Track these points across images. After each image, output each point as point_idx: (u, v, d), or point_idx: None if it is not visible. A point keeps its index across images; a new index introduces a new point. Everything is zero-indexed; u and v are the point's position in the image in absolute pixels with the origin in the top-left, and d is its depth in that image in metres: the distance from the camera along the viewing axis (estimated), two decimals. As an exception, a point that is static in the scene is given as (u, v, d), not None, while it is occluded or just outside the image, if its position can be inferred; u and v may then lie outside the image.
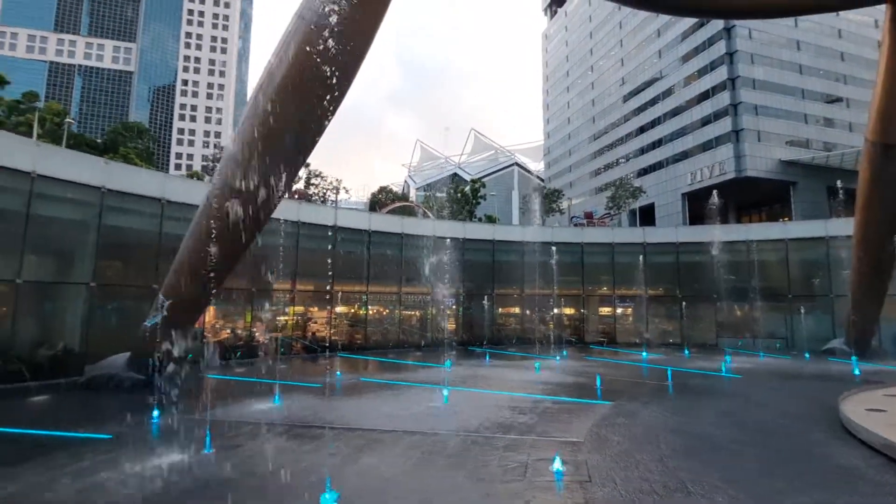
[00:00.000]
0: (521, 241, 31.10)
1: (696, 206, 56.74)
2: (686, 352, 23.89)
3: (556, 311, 31.05)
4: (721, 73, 56.07)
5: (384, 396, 11.67)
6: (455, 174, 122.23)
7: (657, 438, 7.66)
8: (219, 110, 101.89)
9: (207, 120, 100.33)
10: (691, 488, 5.52)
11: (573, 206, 64.18)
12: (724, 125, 55.17)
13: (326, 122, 12.53)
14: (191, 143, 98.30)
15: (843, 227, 23.50)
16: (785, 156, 53.91)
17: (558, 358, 19.24)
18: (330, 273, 25.23)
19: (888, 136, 16.71)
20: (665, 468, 6.21)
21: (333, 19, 11.08)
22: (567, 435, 7.86)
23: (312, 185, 41.65)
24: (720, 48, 56.34)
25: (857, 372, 15.55)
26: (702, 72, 58.76)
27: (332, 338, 26.07)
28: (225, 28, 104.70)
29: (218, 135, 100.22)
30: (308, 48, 11.09)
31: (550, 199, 49.96)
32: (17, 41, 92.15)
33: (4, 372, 13.95)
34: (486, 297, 30.45)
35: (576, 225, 47.28)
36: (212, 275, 13.63)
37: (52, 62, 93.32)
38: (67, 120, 38.51)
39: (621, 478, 5.77)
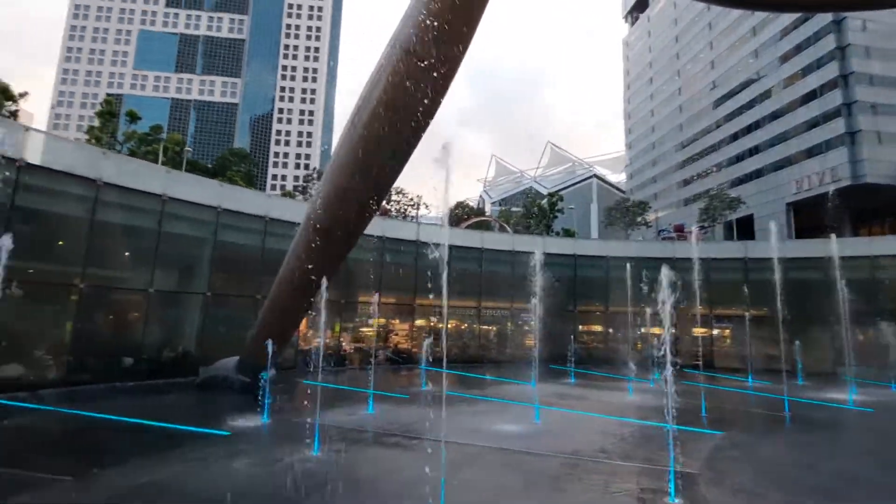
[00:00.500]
0: (604, 255, 29.91)
1: (803, 218, 50.98)
2: (800, 380, 21.37)
3: (643, 330, 29.29)
4: (831, 70, 50.50)
5: (474, 411, 11.68)
6: (531, 188, 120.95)
7: (784, 474, 6.90)
8: (309, 134, 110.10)
9: (299, 144, 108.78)
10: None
11: (659, 220, 60.61)
12: (836, 127, 49.42)
13: (417, 142, 13.01)
14: (285, 165, 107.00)
15: None
16: (913, 159, 47.11)
17: (651, 381, 18.06)
18: (412, 287, 25.96)
19: None
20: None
21: (426, 48, 11.45)
22: (676, 465, 7.32)
23: (394, 201, 43.28)
24: (829, 43, 50.88)
25: None
26: (807, 70, 53.35)
27: (413, 350, 26.61)
28: (315, 59, 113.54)
29: (308, 157, 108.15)
30: (401, 74, 11.60)
31: (634, 211, 47.58)
32: (146, 82, 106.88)
33: (137, 370, 15.91)
34: (567, 313, 29.51)
35: (664, 239, 44.56)
36: (311, 286, 14.60)
37: (173, 98, 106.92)
38: (186, 149, 43.49)
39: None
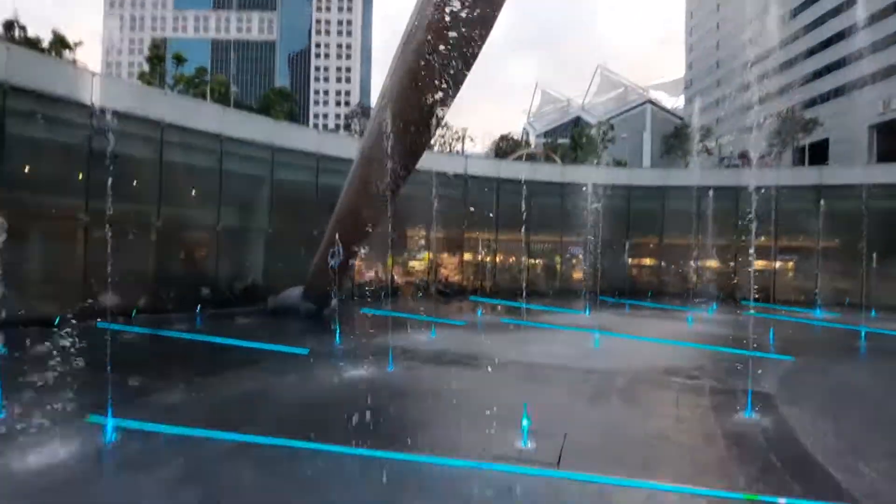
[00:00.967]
0: (660, 185, 28.55)
1: (890, 141, 45.92)
2: (873, 313, 20.26)
3: (699, 262, 28.34)
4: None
5: (532, 337, 12.02)
6: (578, 118, 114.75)
7: (862, 397, 6.78)
8: (348, 69, 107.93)
9: (339, 80, 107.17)
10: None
11: (722, 146, 56.34)
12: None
13: (471, 64, 12.44)
14: (325, 103, 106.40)
15: None
16: None
17: (710, 311, 17.75)
18: (461, 221, 26.07)
19: None
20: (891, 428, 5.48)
21: None
22: (750, 384, 7.28)
23: (438, 135, 42.53)
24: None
25: None
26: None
27: (462, 283, 27.20)
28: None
29: (348, 93, 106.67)
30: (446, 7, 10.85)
31: (695, 138, 44.41)
32: (187, 23, 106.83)
33: (214, 300, 17.28)
34: (619, 245, 28.84)
35: (728, 166, 41.72)
36: (368, 222, 14.95)
37: (213, 39, 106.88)
38: (233, 89, 43.81)
39: (833, 432, 5.27)
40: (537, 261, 29.41)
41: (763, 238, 28.02)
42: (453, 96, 13.27)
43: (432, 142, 45.32)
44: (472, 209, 26.38)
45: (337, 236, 14.72)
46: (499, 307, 20.71)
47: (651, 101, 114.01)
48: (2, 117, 12.61)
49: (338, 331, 10.88)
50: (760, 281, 28.06)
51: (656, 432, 5.34)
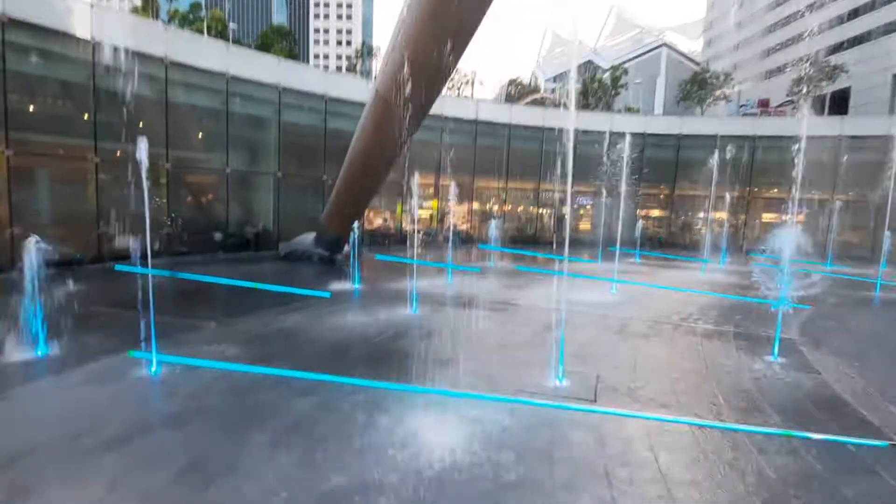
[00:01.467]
0: (676, 133, 27.77)
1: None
2: (883, 265, 20.28)
3: (708, 214, 28.10)
4: None
5: (547, 284, 12.11)
6: (590, 62, 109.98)
7: (881, 341, 6.91)
8: (349, 6, 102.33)
9: (339, 17, 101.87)
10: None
11: (741, 94, 54.21)
12: None
13: (485, 8, 11.75)
14: (326, 42, 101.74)
15: None
16: None
17: (721, 262, 17.79)
18: (470, 168, 25.62)
19: None
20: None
21: None
22: (771, 330, 7.40)
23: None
24: None
25: None
26: None
27: (471, 231, 27.15)
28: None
29: (349, 32, 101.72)
30: None
31: (713, 84, 42.71)
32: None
33: (225, 244, 17.34)
34: (629, 195, 28.47)
35: (745, 115, 40.40)
36: (382, 163, 14.67)
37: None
38: (232, 26, 41.82)
39: (857, 374, 5.40)
40: (547, 210, 29.19)
41: (776, 189, 27.67)
42: (473, 30, 12.60)
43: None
44: (481, 156, 25.84)
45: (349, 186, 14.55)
46: (511, 256, 20.79)
47: (667, 45, 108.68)
48: (2, 52, 12.10)
49: (357, 276, 10.95)
50: (769, 232, 27.95)
51: (688, 372, 5.48)
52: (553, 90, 73.82)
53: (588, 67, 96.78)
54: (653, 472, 3.38)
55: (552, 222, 29.11)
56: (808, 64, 44.44)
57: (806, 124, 27.90)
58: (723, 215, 28.68)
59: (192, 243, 16.87)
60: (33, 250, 5.65)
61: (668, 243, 27.34)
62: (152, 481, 3.19)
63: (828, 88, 44.01)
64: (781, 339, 7.01)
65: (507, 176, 26.68)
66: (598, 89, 50.91)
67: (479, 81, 42.73)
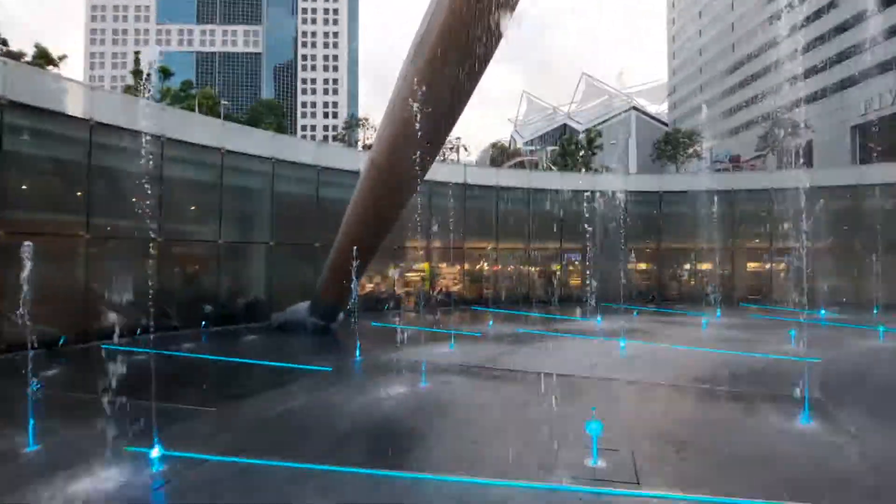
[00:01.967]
0: (656, 190, 28.81)
1: (871, 142, 47.18)
2: (875, 310, 20.58)
3: (692, 266, 28.62)
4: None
5: (553, 346, 11.87)
6: (565, 125, 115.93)
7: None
8: (335, 81, 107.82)
9: (326, 91, 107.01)
10: None
11: (706, 151, 57.27)
12: (919, 36, 44.36)
13: (481, 73, 12.37)
14: (313, 115, 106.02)
15: None
16: None
17: (718, 315, 17.80)
18: (461, 230, 25.95)
19: None
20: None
21: None
22: (794, 390, 7.13)
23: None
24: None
25: None
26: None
27: (464, 292, 27.01)
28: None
29: (336, 105, 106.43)
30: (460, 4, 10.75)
31: (684, 143, 45.09)
32: (171, 36, 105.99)
33: (215, 316, 16.84)
34: (617, 251, 28.99)
35: (718, 170, 42.35)
36: (376, 232, 14.74)
37: (197, 52, 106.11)
38: (224, 102, 43.38)
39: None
40: (537, 268, 29.38)
41: (758, 240, 28.49)
42: (463, 104, 13.14)
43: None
44: (471, 218, 26.29)
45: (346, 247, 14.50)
46: (507, 317, 20.58)
47: (635, 108, 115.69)
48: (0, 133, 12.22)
49: (358, 346, 10.61)
50: (757, 283, 28.44)
51: (723, 444, 5.22)
52: (533, 151, 76.96)
53: (564, 130, 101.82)
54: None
55: (543, 281, 29.21)
56: (770, 122, 47.44)
57: (776, 178, 29.37)
58: (708, 266, 29.25)
59: (179, 317, 16.38)
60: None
61: (661, 296, 27.49)
62: None
63: (792, 142, 46.73)
64: (798, 397, 6.83)
65: (497, 237, 27.03)
66: (575, 150, 53.25)
67: (464, 146, 44.36)
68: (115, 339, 13.80)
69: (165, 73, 53.82)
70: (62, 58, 44.53)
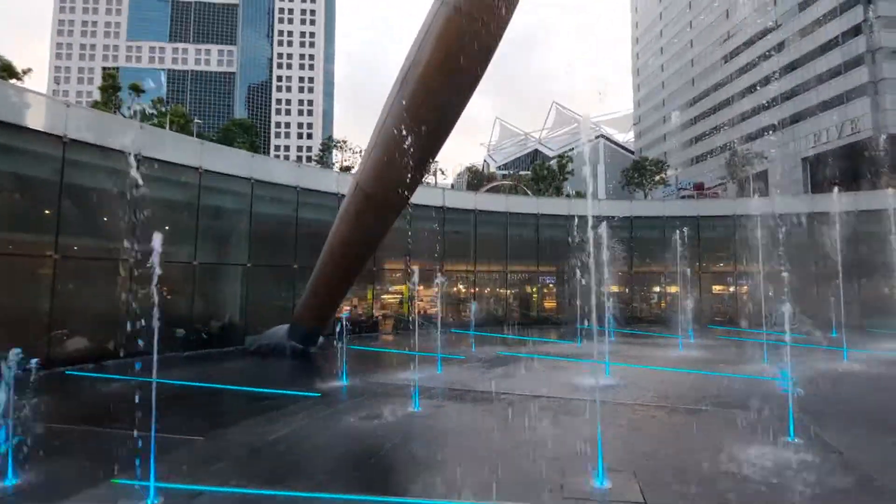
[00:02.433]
0: (628, 216, 29.83)
1: (820, 173, 50.56)
2: (833, 332, 21.66)
3: (662, 289, 29.57)
4: (854, 16, 48.82)
5: (538, 369, 11.98)
6: (537, 151, 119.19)
7: (882, 413, 7.14)
8: (310, 102, 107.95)
9: (300, 112, 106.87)
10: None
11: (671, 178, 60.01)
12: (860, 76, 48.20)
13: (467, 100, 12.72)
14: (287, 135, 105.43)
15: None
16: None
17: (691, 336, 18.38)
18: (440, 253, 26.08)
19: None
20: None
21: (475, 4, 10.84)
22: (776, 409, 7.38)
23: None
24: (854, -13, 48.96)
25: None
26: (828, 16, 51.53)
27: (442, 314, 26.94)
28: (312, 23, 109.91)
29: (310, 126, 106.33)
30: (452, 33, 11.14)
31: (651, 171, 47.08)
32: (141, 53, 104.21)
33: (188, 340, 16.24)
34: (590, 274, 29.59)
35: (683, 197, 44.33)
36: (360, 254, 14.71)
37: (169, 69, 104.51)
38: (196, 121, 42.72)
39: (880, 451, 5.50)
40: (514, 291, 29.72)
41: (722, 264, 29.78)
42: (448, 130, 13.40)
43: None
44: (449, 241, 26.50)
45: (331, 270, 14.38)
46: (487, 339, 20.64)
47: (604, 136, 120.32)
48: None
49: (344, 370, 10.45)
50: (722, 305, 29.62)
51: (724, 461, 5.40)
52: (506, 175, 78.52)
53: (536, 156, 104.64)
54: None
55: (520, 303, 29.53)
56: (729, 152, 50.15)
57: (739, 205, 30.92)
58: (675, 289, 30.28)
59: (150, 341, 15.70)
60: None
61: (634, 319, 28.15)
62: None
63: (749, 172, 49.44)
64: (780, 416, 7.14)
65: (475, 259, 27.27)
66: (547, 175, 54.71)
67: (441, 170, 44.91)
68: (80, 364, 13.16)
69: (136, 90, 52.72)
70: (26, 71, 43.10)
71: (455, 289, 28.69)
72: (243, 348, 16.59)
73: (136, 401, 8.92)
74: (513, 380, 10.68)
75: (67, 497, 4.62)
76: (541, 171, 56.16)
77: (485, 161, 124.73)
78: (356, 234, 13.92)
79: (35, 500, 4.54)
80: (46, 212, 13.85)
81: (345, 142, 39.85)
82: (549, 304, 31.03)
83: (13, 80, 39.44)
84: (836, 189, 24.38)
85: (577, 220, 27.68)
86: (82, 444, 6.28)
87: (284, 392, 9.18)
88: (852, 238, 24.86)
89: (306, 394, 9.01)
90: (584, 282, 27.11)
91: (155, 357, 4.79)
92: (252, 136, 71.74)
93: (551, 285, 30.74)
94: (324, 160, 44.23)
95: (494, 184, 47.52)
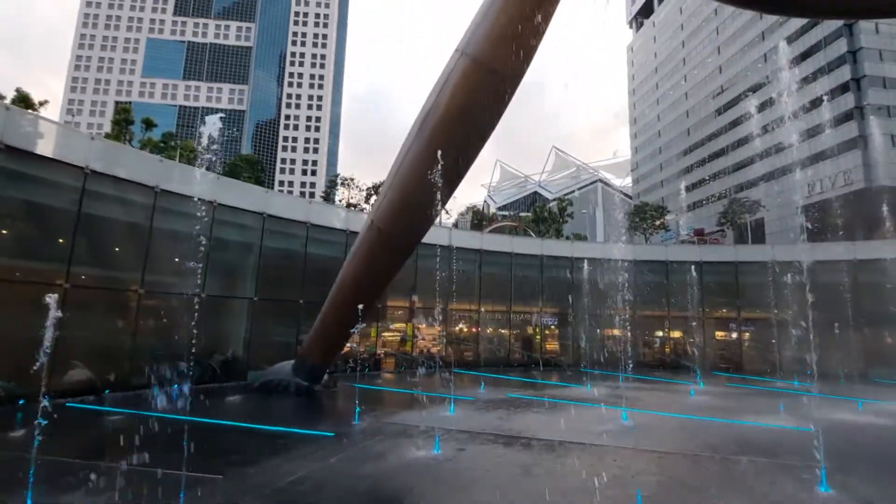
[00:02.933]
0: (631, 259, 30.04)
1: (815, 221, 51.45)
2: (841, 381, 21.47)
3: (665, 333, 29.43)
4: (842, 74, 51.17)
5: (554, 413, 11.74)
6: (536, 193, 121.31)
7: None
8: (316, 140, 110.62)
9: (306, 150, 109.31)
10: None
11: (669, 223, 60.94)
12: (850, 130, 50.01)
13: (482, 145, 13.16)
14: (292, 171, 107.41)
15: None
16: (929, 161, 47.59)
17: (701, 383, 18.16)
18: (445, 292, 26.06)
19: None
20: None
21: (495, 55, 11.43)
22: (803, 459, 7.24)
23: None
24: (840, 47, 51.56)
25: None
26: (818, 73, 54.00)
27: (445, 354, 26.66)
28: (322, 66, 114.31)
29: (315, 163, 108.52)
30: (470, 82, 11.67)
31: (653, 215, 47.87)
32: (154, 89, 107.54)
33: (191, 374, 15.94)
34: (593, 317, 29.62)
35: (684, 242, 44.84)
36: (371, 291, 14.73)
37: (181, 106, 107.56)
38: (207, 156, 43.53)
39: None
40: (518, 332, 29.52)
41: (725, 310, 29.77)
42: (463, 174, 13.69)
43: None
44: (455, 280, 26.54)
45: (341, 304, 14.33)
46: (493, 381, 20.34)
47: (601, 181, 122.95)
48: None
49: (357, 410, 10.26)
50: (727, 351, 29.37)
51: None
52: (507, 216, 79.51)
53: (535, 199, 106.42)
54: None
55: (524, 344, 29.24)
56: (727, 200, 51.13)
57: (741, 252, 31.26)
58: (678, 334, 30.12)
59: (155, 375, 15.47)
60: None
61: (638, 363, 27.84)
62: None
63: (747, 219, 50.27)
64: (809, 466, 7.01)
65: (479, 299, 27.24)
66: (547, 218, 55.49)
67: (446, 210, 45.54)
68: (85, 397, 12.86)
69: (149, 124, 54.11)
70: (42, 103, 44.42)
71: (459, 328, 28.52)
72: (246, 383, 16.31)
73: (147, 436, 8.73)
74: (531, 423, 10.47)
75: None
76: (541, 213, 57.05)
77: (485, 202, 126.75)
78: (368, 272, 14.00)
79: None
80: (60, 241, 13.94)
81: (352, 179, 40.61)
82: (551, 345, 30.75)
83: (29, 111, 40.51)
84: (839, 237, 24.75)
85: (585, 262, 28.21)
86: (101, 480, 6.09)
87: (297, 431, 8.99)
88: (855, 287, 25.06)
89: (320, 433, 8.81)
90: (589, 324, 27.11)
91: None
92: (258, 171, 73.11)
93: (553, 327, 30.56)
94: (330, 197, 44.89)
95: (498, 224, 48.08)
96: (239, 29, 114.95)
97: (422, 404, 12.75)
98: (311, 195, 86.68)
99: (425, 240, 26.05)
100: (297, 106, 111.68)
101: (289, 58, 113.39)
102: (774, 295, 26.51)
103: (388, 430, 9.20)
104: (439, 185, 12.54)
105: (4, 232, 13.49)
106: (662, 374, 22.06)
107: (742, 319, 28.87)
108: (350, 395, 13.38)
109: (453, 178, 13.01)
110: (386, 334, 27.03)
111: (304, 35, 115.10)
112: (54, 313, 6.43)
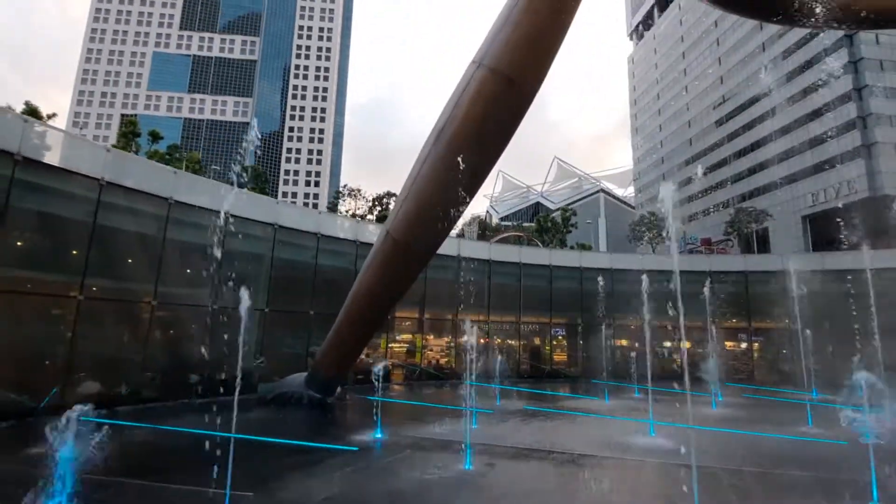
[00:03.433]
0: (639, 269, 29.89)
1: (819, 230, 51.34)
2: (860, 392, 21.10)
3: (674, 344, 29.14)
4: (844, 84, 51.39)
5: (577, 425, 11.57)
6: (538, 203, 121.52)
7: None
8: (319, 152, 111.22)
9: (309, 161, 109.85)
10: None
11: (685, 233, 60.83)
12: (852, 140, 50.07)
13: (498, 157, 13.14)
14: (295, 182, 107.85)
15: None
16: (934, 170, 47.57)
17: (719, 395, 17.87)
18: (454, 303, 25.91)
19: None
20: None
21: (512, 66, 11.45)
22: (843, 473, 7.06)
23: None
24: (841, 57, 51.85)
25: None
26: (820, 84, 54.27)
27: (454, 366, 26.42)
28: (325, 79, 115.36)
29: (318, 174, 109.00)
30: (488, 93, 11.68)
31: (658, 225, 47.85)
32: (160, 102, 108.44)
33: (202, 387, 15.77)
34: (604, 327, 29.37)
35: (692, 251, 44.71)
36: (386, 303, 14.61)
37: (185, 118, 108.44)
38: (213, 167, 43.85)
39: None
40: (527, 342, 29.26)
41: (735, 320, 29.51)
42: (479, 184, 13.61)
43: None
44: (464, 290, 26.40)
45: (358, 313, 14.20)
46: (504, 392, 20.09)
47: (603, 191, 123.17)
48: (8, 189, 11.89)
49: (378, 422, 10.08)
50: (738, 362, 29.06)
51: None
52: (511, 226, 79.53)
53: (538, 209, 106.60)
54: None
55: (533, 355, 28.99)
56: (732, 209, 51.03)
57: (750, 262, 31.06)
58: (689, 345, 29.80)
59: (163, 387, 15.37)
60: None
61: (652, 374, 27.47)
62: None
63: (753, 229, 50.14)
64: (858, 481, 6.83)
65: (488, 310, 27.05)
66: (551, 228, 55.51)
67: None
68: (94, 408, 12.68)
69: (155, 137, 54.53)
70: (51, 116, 44.81)
71: (468, 338, 28.18)
72: (257, 396, 16.10)
73: (168, 450, 8.56)
74: (558, 436, 10.28)
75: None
76: (545, 223, 57.06)
77: (487, 212, 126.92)
78: (383, 282, 13.89)
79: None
80: (74, 252, 13.88)
81: (359, 190, 40.70)
82: (560, 356, 30.47)
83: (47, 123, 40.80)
84: (862, 247, 24.58)
85: (594, 272, 28.03)
86: (130, 497, 5.94)
87: (320, 445, 8.81)
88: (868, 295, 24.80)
89: (343, 447, 8.64)
90: (599, 335, 26.75)
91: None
92: (261, 182, 73.39)
93: (562, 337, 30.31)
94: (336, 208, 45.02)
95: (505, 234, 48.02)
96: (244, 43, 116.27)
97: (439, 417, 12.55)
98: (315, 206, 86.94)
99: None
100: (301, 118, 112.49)
101: (293, 70, 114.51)
102: (786, 304, 26.30)
103: (413, 443, 9.03)
104: (455, 195, 12.52)
105: (20, 244, 13.43)
106: (677, 386, 21.71)
107: (753, 329, 28.62)
108: (365, 407, 13.19)
109: (469, 189, 12.98)
110: (391, 345, 26.83)
111: (307, 48, 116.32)
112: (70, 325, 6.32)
